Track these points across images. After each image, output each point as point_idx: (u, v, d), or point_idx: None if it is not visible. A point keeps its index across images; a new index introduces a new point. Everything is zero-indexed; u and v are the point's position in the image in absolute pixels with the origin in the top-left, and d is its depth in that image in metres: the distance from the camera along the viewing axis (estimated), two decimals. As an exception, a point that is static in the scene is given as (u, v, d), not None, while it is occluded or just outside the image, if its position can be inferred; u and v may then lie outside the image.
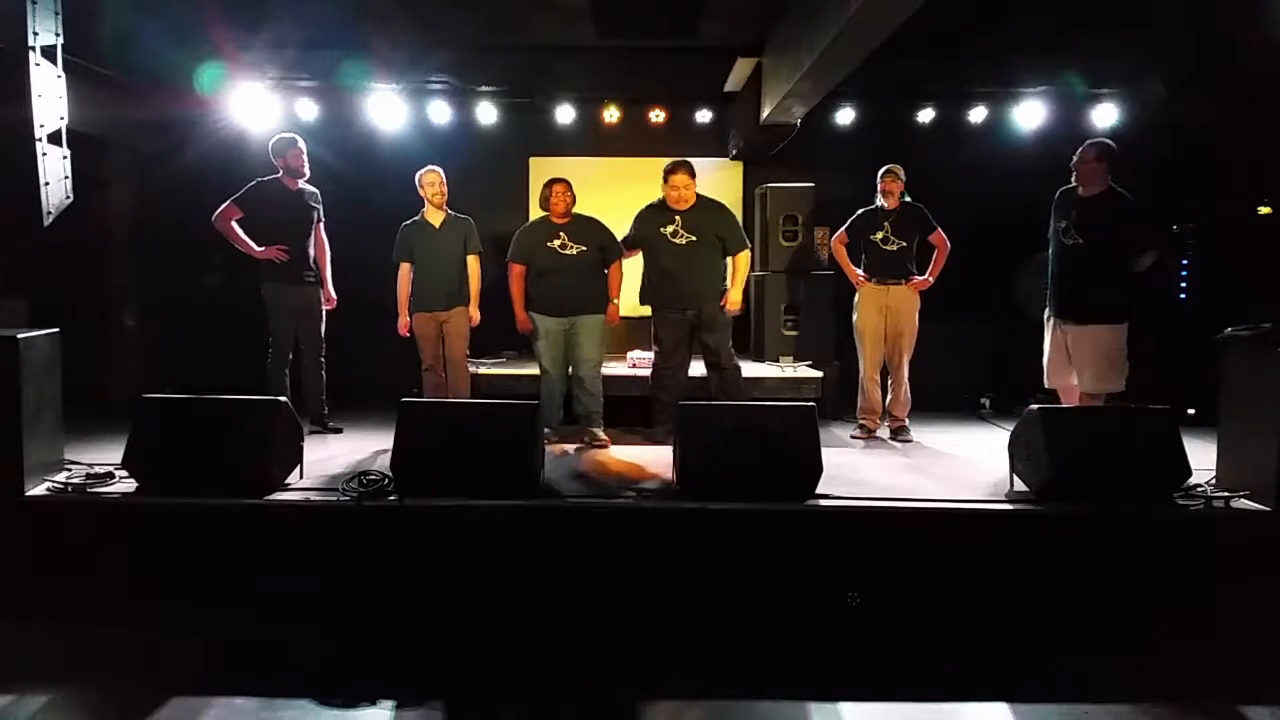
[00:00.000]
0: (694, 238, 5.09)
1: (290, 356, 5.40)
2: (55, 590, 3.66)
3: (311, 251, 5.47)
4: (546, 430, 5.30)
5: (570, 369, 5.35)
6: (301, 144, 5.36)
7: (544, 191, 5.28)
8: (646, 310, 5.43)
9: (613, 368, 5.89)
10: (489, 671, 3.28)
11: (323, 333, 5.51)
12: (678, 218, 5.10)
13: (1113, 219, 4.73)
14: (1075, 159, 4.85)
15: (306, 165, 5.38)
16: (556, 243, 5.22)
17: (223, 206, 5.22)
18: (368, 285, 6.11)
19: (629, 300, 5.45)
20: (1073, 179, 4.89)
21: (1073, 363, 4.90)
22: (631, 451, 5.13)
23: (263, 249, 5.26)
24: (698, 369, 5.44)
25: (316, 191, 5.52)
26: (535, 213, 7.34)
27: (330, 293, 5.59)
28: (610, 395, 5.46)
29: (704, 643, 3.51)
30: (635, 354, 6.20)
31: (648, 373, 5.91)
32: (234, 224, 5.23)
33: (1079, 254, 4.78)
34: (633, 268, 5.41)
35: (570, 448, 5.19)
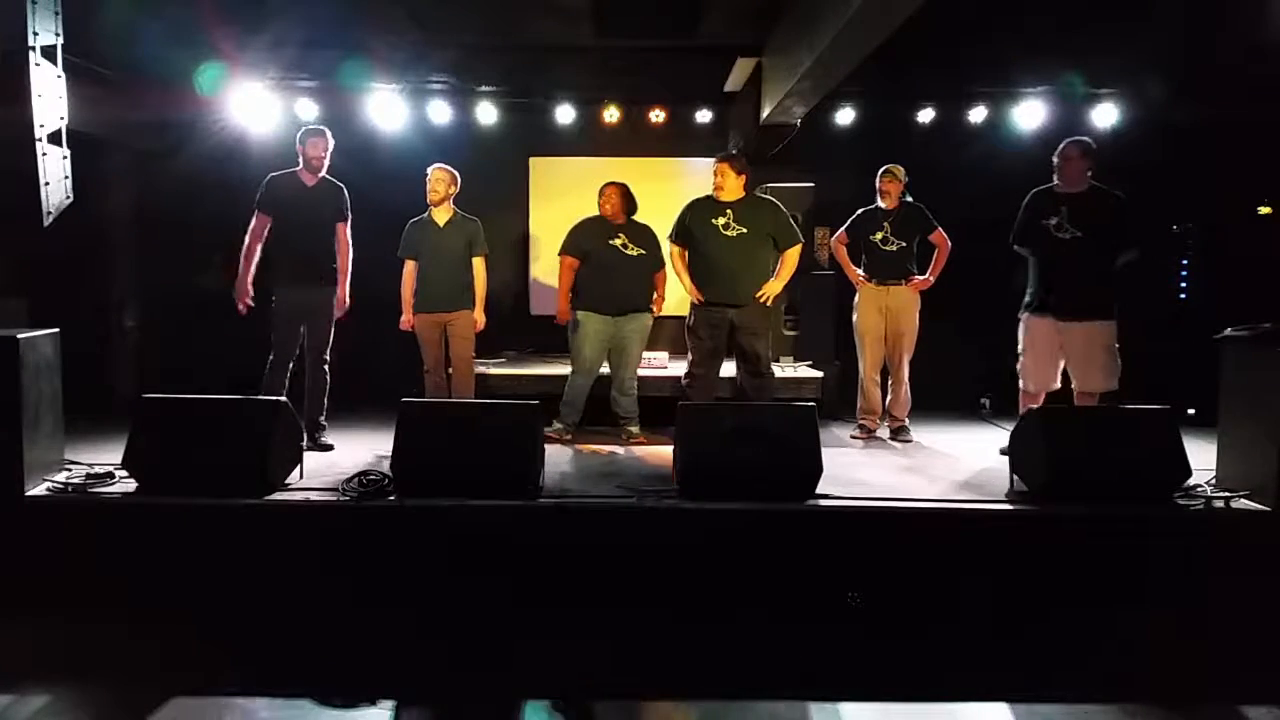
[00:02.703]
0: (745, 230, 5.02)
1: (291, 365, 5.07)
2: (55, 590, 3.65)
3: (330, 252, 5.13)
4: (560, 426, 5.37)
5: (611, 370, 5.43)
6: (328, 137, 5.08)
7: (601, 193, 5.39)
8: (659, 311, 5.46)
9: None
10: (489, 671, 3.29)
11: (330, 337, 5.18)
12: (729, 210, 5.05)
13: (1104, 214, 4.74)
14: (1057, 157, 4.85)
15: (327, 160, 5.07)
16: (618, 242, 5.29)
17: (253, 222, 4.96)
18: (368, 286, 6.10)
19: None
20: (1054, 177, 4.88)
21: (1068, 361, 4.85)
22: (632, 451, 5.14)
23: (240, 282, 4.93)
24: (727, 369, 5.42)
25: (341, 188, 5.18)
26: (535, 213, 7.42)
27: (344, 296, 5.22)
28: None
29: (704, 642, 3.51)
30: (644, 354, 6.18)
31: (655, 372, 5.91)
32: (260, 239, 4.96)
33: (1076, 249, 4.73)
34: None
35: (575, 447, 5.21)
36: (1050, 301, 4.83)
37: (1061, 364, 4.86)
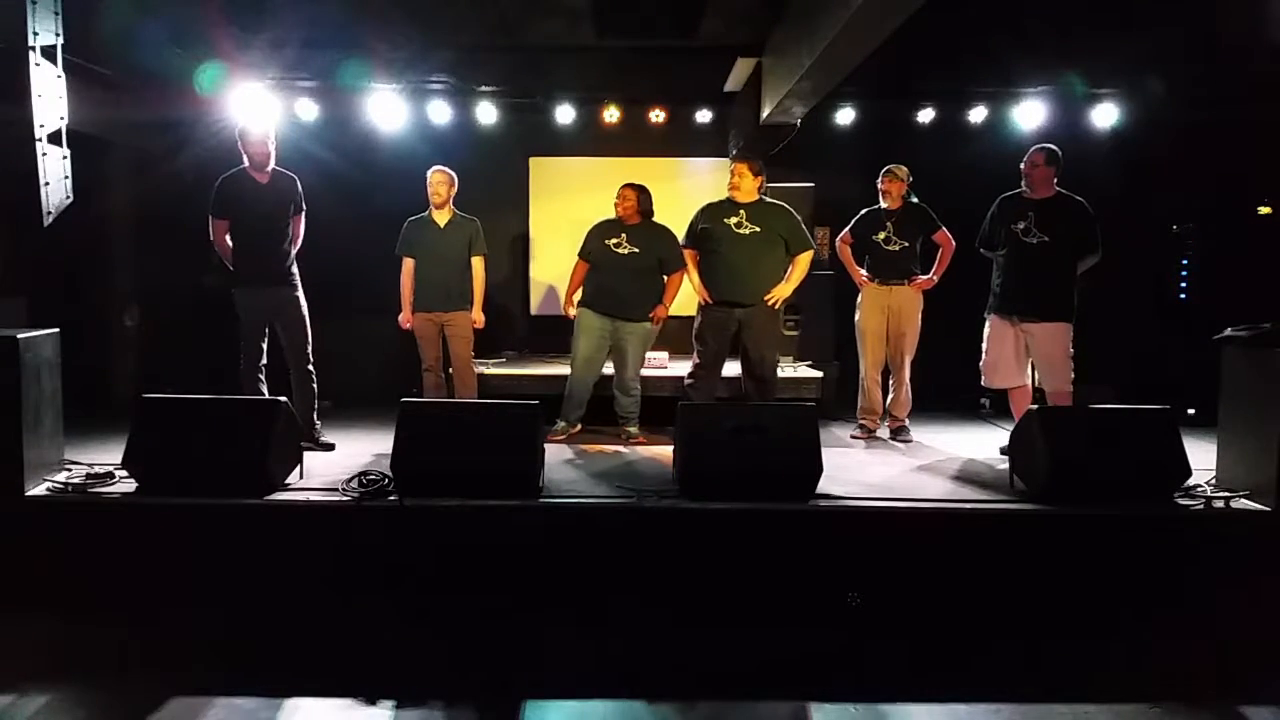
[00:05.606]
0: (757, 229, 5.06)
1: (264, 362, 4.95)
2: (55, 590, 3.66)
3: (287, 249, 4.96)
4: (563, 424, 5.41)
5: (614, 369, 5.46)
6: (268, 129, 4.90)
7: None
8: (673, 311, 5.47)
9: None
10: (489, 671, 3.29)
11: (308, 338, 5.01)
12: (742, 210, 5.09)
13: (1070, 219, 4.86)
14: (1025, 164, 4.96)
15: (272, 153, 4.89)
16: (613, 241, 5.31)
17: (211, 225, 4.87)
18: (367, 286, 6.13)
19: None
20: (1023, 184, 4.99)
21: (1034, 362, 5.03)
22: (632, 451, 5.14)
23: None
24: (729, 369, 5.42)
25: (294, 178, 5.03)
26: (535, 213, 7.43)
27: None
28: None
29: (704, 642, 3.51)
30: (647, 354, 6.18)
31: (656, 372, 5.92)
32: (226, 239, 4.89)
33: (1044, 252, 4.86)
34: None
35: (575, 447, 5.21)
36: (1014, 303, 4.96)
37: (1029, 363, 5.05)
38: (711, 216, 5.15)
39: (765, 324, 5.13)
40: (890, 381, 5.66)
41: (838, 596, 3.68)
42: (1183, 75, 6.31)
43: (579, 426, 5.48)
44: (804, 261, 5.17)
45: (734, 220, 5.08)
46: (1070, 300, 4.89)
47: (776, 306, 5.15)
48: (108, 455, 4.33)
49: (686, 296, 5.43)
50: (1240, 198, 6.49)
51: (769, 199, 5.24)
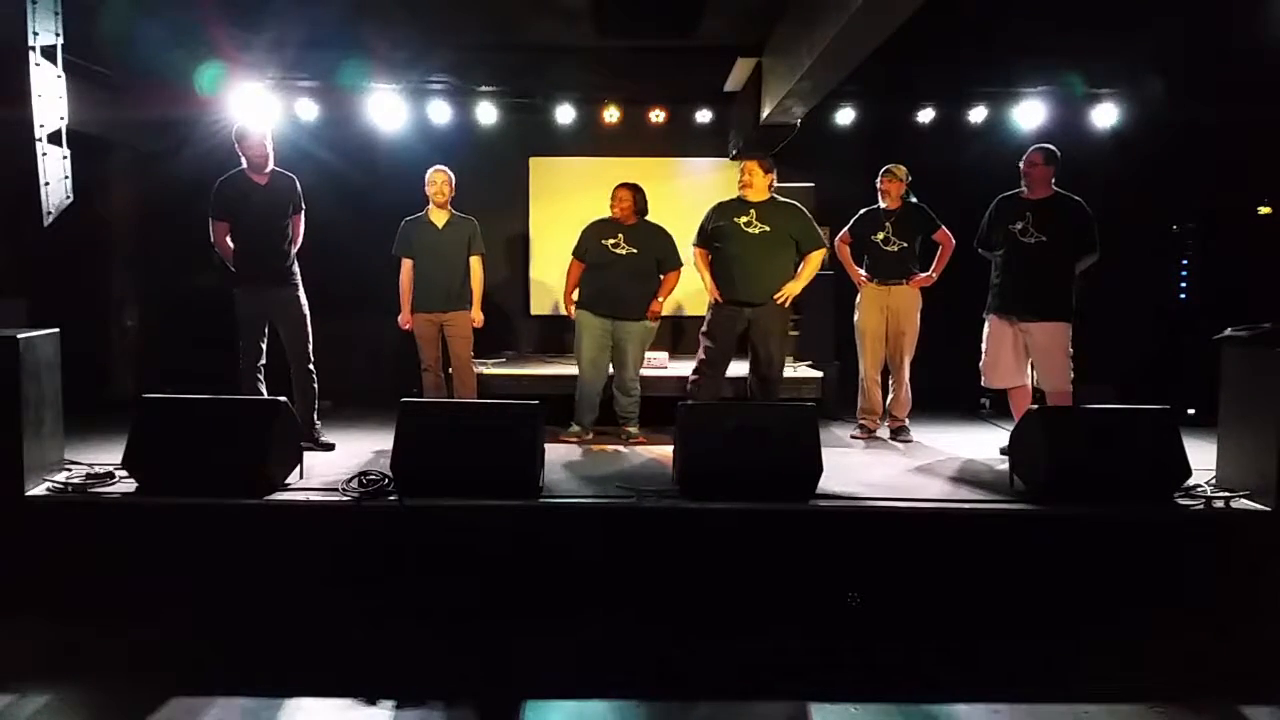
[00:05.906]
0: (767, 228, 5.06)
1: (264, 362, 4.97)
2: (55, 590, 3.66)
3: (286, 249, 4.99)
4: (578, 429, 5.42)
5: (611, 370, 5.45)
6: (264, 131, 4.92)
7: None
8: (668, 311, 5.44)
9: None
10: (488, 671, 3.29)
11: (309, 338, 5.03)
12: (752, 210, 5.09)
13: (1067, 220, 4.87)
14: (1023, 164, 4.96)
15: (270, 154, 4.91)
16: (610, 241, 5.30)
17: (212, 228, 4.92)
18: (367, 286, 6.13)
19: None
20: (1021, 184, 4.99)
21: (1034, 362, 5.02)
22: (632, 451, 5.14)
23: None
24: (734, 369, 5.42)
25: (293, 179, 5.05)
26: (535, 213, 7.43)
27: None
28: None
29: (704, 642, 3.51)
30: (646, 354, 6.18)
31: (656, 372, 5.92)
32: (227, 241, 4.93)
33: (1041, 251, 4.86)
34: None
35: (578, 447, 5.21)
36: (1013, 302, 4.96)
37: (1028, 362, 5.04)
38: (722, 215, 5.15)
39: (774, 322, 5.13)
40: (890, 381, 5.66)
41: (838, 596, 3.68)
42: (1183, 75, 6.32)
43: (592, 434, 5.46)
44: (816, 260, 5.17)
45: (744, 219, 5.08)
46: (1069, 300, 4.89)
47: (786, 304, 5.15)
48: (108, 455, 4.33)
49: (690, 297, 5.43)
50: (1240, 198, 6.49)
51: (780, 198, 5.23)
